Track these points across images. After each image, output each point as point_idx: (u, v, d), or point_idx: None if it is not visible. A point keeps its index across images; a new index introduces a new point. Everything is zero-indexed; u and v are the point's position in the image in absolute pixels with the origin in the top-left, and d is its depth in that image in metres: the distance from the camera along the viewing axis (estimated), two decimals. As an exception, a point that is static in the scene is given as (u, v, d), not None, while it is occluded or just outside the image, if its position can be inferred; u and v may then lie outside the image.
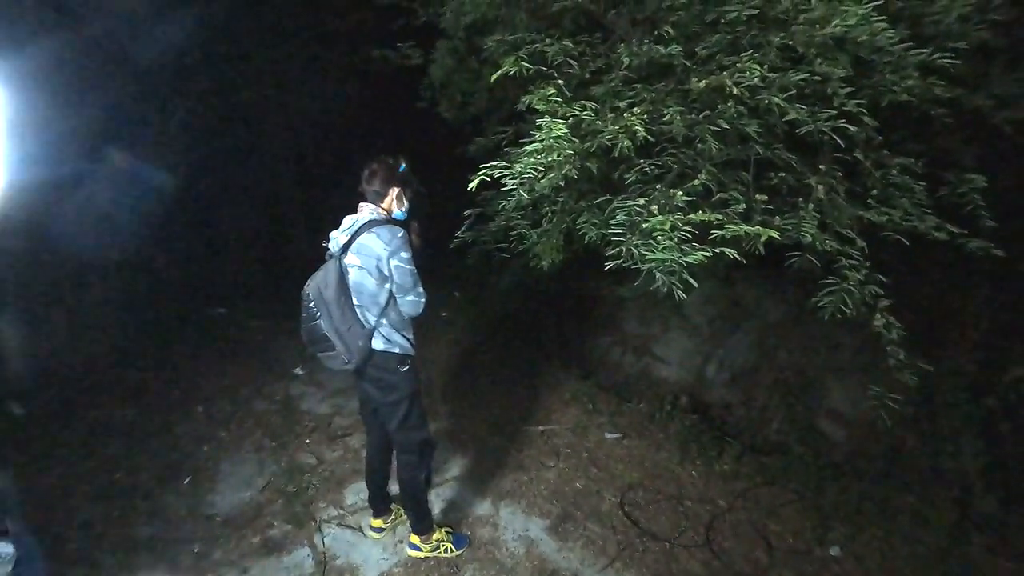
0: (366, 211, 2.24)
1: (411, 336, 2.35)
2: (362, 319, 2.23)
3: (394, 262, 2.16)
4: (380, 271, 2.17)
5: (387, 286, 2.21)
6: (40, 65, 3.26)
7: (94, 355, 4.08)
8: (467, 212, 2.68)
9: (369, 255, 2.16)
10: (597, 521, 2.78)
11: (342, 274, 2.20)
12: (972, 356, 2.73)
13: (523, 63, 2.08)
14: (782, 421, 3.38)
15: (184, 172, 5.04)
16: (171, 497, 2.86)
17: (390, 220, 2.24)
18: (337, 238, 2.25)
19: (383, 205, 2.25)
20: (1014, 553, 2.49)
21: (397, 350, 2.28)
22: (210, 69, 4.98)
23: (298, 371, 4.12)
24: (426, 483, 2.53)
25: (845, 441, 3.13)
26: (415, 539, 2.50)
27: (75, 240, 4.06)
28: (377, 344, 2.24)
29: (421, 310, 2.28)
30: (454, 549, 2.54)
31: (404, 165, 2.27)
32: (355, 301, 2.22)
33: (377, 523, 2.64)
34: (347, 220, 2.27)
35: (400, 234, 2.18)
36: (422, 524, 2.49)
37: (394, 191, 2.25)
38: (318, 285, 2.21)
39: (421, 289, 2.25)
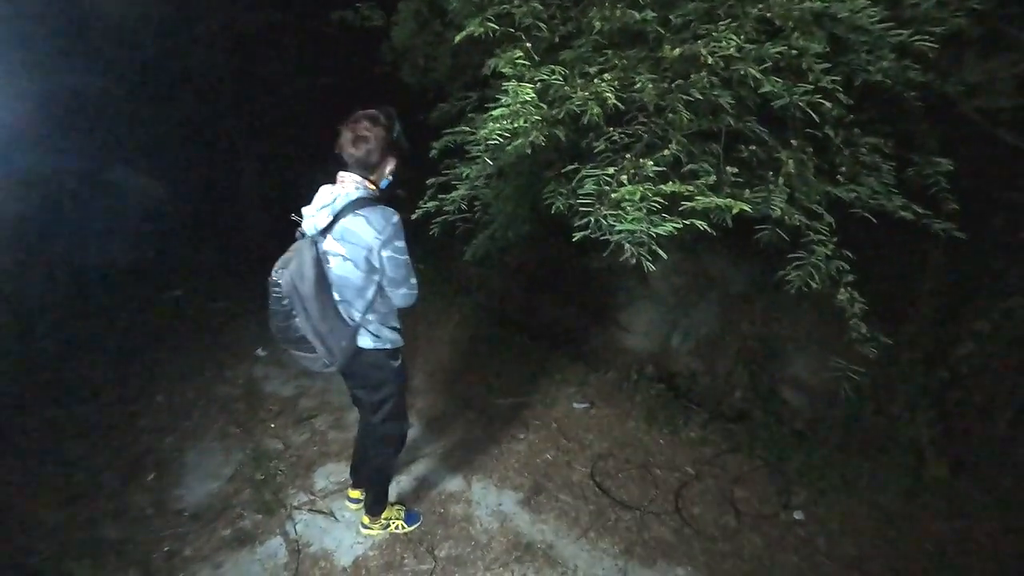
0: (350, 184, 1.87)
1: (399, 324, 2.12)
2: (346, 316, 1.94)
3: (387, 253, 1.85)
4: (369, 263, 1.87)
5: (375, 278, 1.92)
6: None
7: (44, 349, 3.84)
8: (430, 181, 2.57)
9: (357, 243, 1.84)
10: (569, 492, 2.81)
11: (320, 263, 1.87)
12: (926, 331, 2.85)
13: (489, 24, 1.97)
14: (746, 389, 3.48)
15: (131, 146, 4.73)
16: (137, 495, 2.74)
17: (379, 197, 1.91)
18: (315, 217, 1.87)
19: (372, 177, 1.90)
20: (962, 515, 2.64)
21: (388, 346, 2.06)
22: (157, 35, 4.62)
23: (260, 352, 3.99)
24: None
25: (806, 408, 3.24)
26: (366, 519, 2.48)
27: (15, 226, 3.79)
28: (365, 342, 2.01)
29: (414, 302, 2.02)
30: (405, 526, 2.52)
31: (399, 127, 1.91)
32: (337, 296, 1.92)
33: (355, 494, 2.60)
34: (324, 194, 1.89)
35: (396, 219, 1.86)
36: (378, 507, 2.46)
37: (390, 163, 1.92)
38: (292, 276, 1.82)
39: (415, 280, 1.97)
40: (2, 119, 3.57)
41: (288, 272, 1.83)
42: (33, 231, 4.32)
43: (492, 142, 1.85)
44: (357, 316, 1.96)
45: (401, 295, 1.98)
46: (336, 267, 1.90)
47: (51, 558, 2.38)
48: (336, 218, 1.85)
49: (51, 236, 4.47)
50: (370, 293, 1.94)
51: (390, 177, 2.00)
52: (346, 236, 1.86)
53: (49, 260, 4.41)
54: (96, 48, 4.16)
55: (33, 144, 3.90)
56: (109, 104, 4.56)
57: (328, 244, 1.89)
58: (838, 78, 1.76)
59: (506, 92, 1.86)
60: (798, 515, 2.69)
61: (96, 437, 3.09)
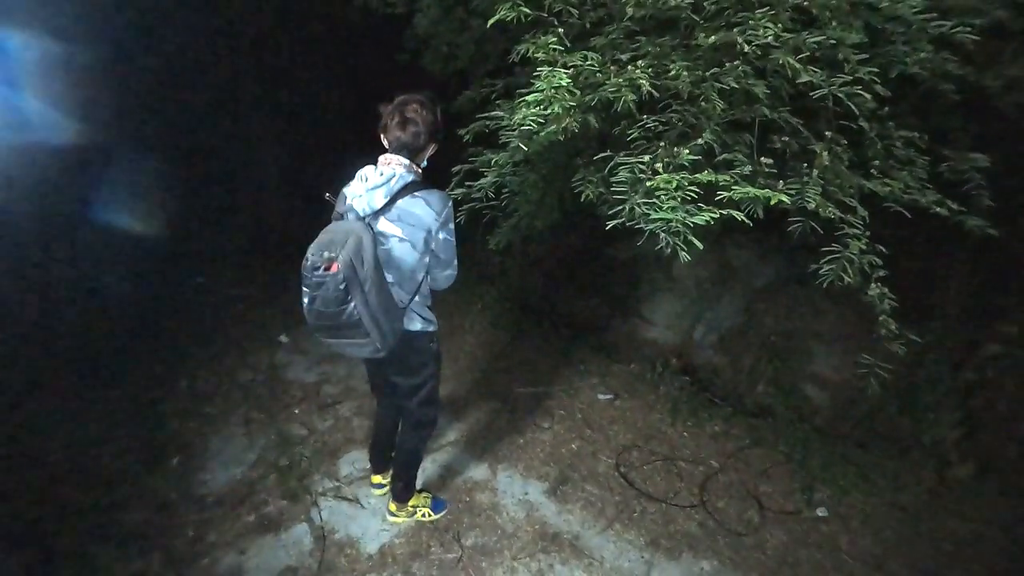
0: (399, 167, 1.86)
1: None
2: (397, 299, 1.92)
3: (442, 235, 1.92)
4: (427, 244, 1.91)
5: (426, 260, 1.95)
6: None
7: (65, 332, 3.88)
8: (456, 168, 2.56)
9: (417, 226, 1.86)
10: (594, 483, 2.81)
11: (377, 244, 1.83)
12: (953, 331, 2.79)
13: (521, 9, 1.95)
14: (768, 384, 3.44)
15: (151, 135, 4.78)
16: (161, 480, 2.77)
17: (425, 180, 1.93)
18: (366, 197, 1.83)
19: (416, 160, 1.92)
20: (985, 519, 2.60)
21: (432, 328, 2.08)
22: (173, 28, 4.65)
23: (283, 338, 4.02)
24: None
25: (828, 405, 3.20)
26: (393, 507, 2.50)
27: (41, 209, 3.85)
28: (414, 325, 2.02)
29: (452, 283, 2.09)
30: (432, 513, 2.53)
31: (439, 113, 1.95)
32: (390, 278, 1.88)
33: (377, 479, 2.63)
34: (370, 175, 1.85)
35: (450, 202, 1.94)
36: (407, 493, 2.47)
37: (431, 147, 1.94)
38: (351, 258, 1.70)
39: (456, 262, 2.03)
40: (28, 104, 3.63)
41: (347, 254, 1.70)
42: (58, 216, 4.38)
43: (525, 128, 1.85)
44: (406, 298, 1.96)
45: (446, 276, 2.05)
46: (395, 249, 1.89)
47: (75, 543, 2.41)
48: (393, 199, 1.84)
49: (75, 221, 4.53)
50: (420, 275, 1.97)
51: (425, 162, 2.02)
52: (405, 218, 1.86)
53: (72, 244, 4.46)
54: (121, 37, 4.20)
55: (56, 129, 3.95)
56: (131, 89, 4.61)
57: (383, 225, 1.87)
58: (875, 69, 1.72)
59: (538, 77, 1.85)
60: (821, 512, 2.67)
61: (118, 422, 3.12)
